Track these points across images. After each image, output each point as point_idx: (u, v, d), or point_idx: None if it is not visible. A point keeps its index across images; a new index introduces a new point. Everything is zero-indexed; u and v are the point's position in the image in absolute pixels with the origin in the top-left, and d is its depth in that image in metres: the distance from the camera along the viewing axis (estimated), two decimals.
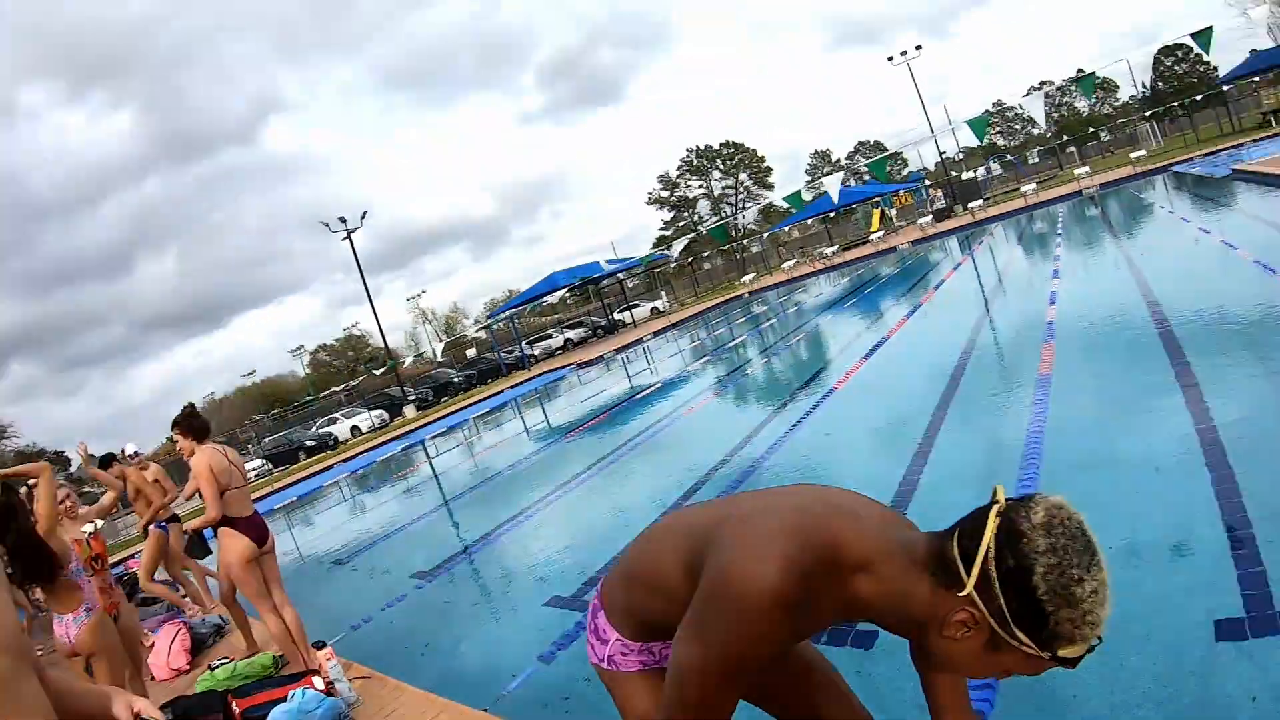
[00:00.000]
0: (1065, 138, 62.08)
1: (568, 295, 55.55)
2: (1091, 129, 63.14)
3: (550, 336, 46.79)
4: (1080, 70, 76.23)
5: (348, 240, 40.56)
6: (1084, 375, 7.48)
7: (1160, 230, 16.91)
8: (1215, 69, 56.17)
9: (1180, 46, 50.37)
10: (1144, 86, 68.30)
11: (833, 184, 24.90)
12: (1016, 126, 78.35)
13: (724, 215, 69.05)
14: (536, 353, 43.14)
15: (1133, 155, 35.90)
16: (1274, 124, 36.07)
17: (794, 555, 1.43)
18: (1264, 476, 4.35)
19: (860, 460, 7.35)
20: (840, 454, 7.73)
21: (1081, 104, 75.31)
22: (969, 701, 1.78)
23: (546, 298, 44.41)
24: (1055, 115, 72.99)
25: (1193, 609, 3.32)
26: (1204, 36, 17.09)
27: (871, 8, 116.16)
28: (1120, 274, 12.01)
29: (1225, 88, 46.34)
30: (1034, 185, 35.59)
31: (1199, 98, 48.63)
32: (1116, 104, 74.60)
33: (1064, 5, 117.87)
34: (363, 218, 41.02)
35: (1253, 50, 45.95)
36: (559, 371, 30.66)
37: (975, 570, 1.31)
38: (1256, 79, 48.56)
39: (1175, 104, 49.71)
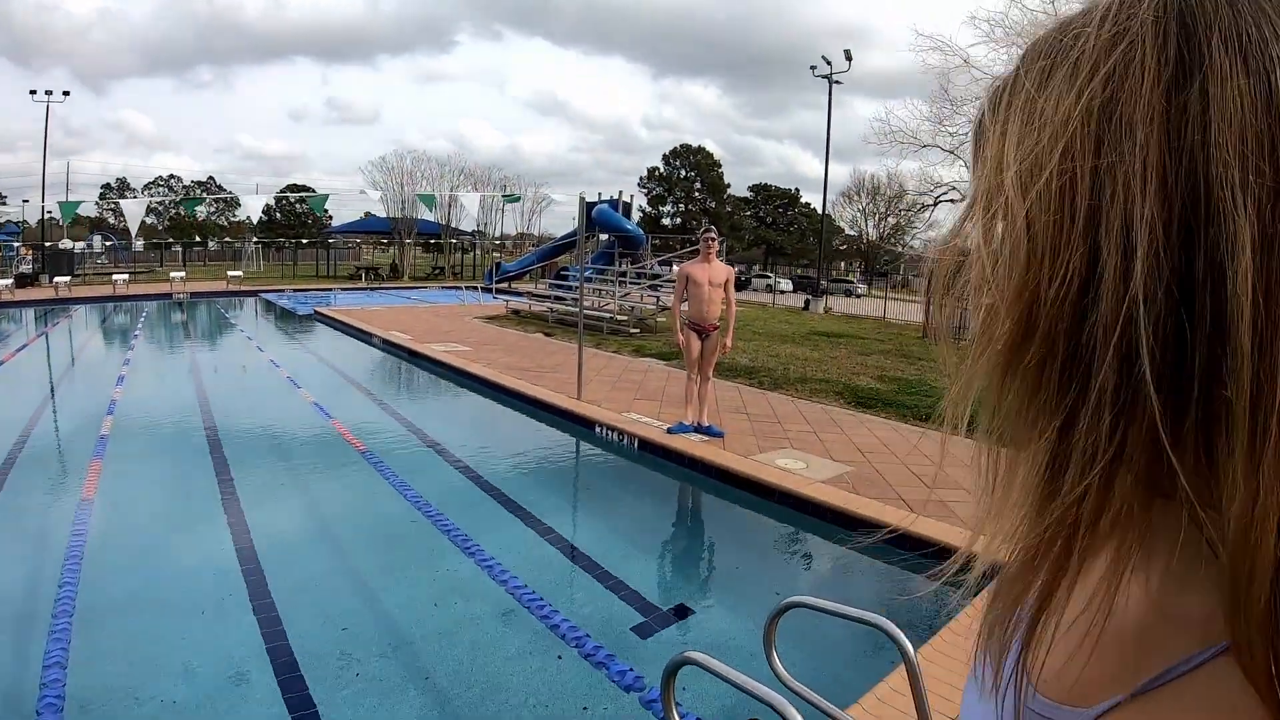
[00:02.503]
0: (171, 239, 61.57)
1: None
2: (200, 237, 63.99)
3: None
4: (212, 178, 77.56)
5: None
6: (134, 501, 6.88)
7: (235, 353, 17.12)
8: (331, 218, 62.36)
9: (299, 188, 54.77)
10: (263, 214, 71.93)
11: None
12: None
13: None
14: None
15: (230, 273, 36.89)
16: (363, 279, 40.76)
17: None
18: (305, 614, 4.67)
19: None
20: None
21: (200, 209, 75.94)
22: None
23: None
24: (172, 213, 72.03)
25: None
26: (319, 200, 18.46)
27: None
28: (186, 392, 11.56)
29: (331, 239, 51.80)
30: (127, 276, 33.78)
31: (305, 240, 53.01)
32: (234, 219, 76.98)
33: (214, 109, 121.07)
34: None
35: (368, 213, 52.70)
36: None
37: None
38: (360, 238, 55.52)
39: (285, 238, 53.37)
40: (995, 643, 0.52)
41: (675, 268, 27.16)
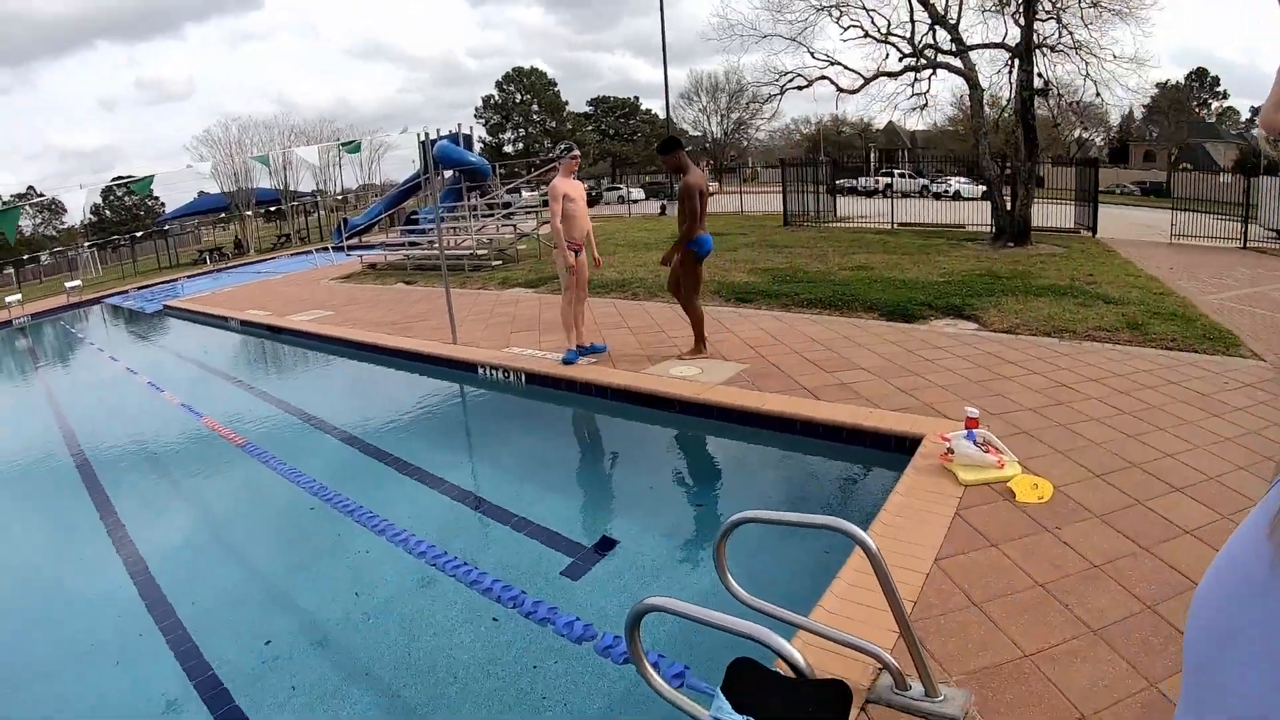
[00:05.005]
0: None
1: None
2: (31, 252, 59.68)
3: None
4: (32, 188, 72.06)
5: None
6: (10, 556, 6.20)
7: (89, 369, 15.85)
8: (163, 205, 58.74)
9: (122, 179, 51.21)
10: (92, 214, 67.29)
11: None
12: None
13: None
14: None
15: (68, 284, 34.36)
16: (208, 261, 38.62)
17: None
18: (223, 637, 4.28)
19: None
20: None
21: (26, 224, 70.65)
22: None
23: None
24: None
25: None
26: (144, 182, 17.43)
27: None
28: (45, 423, 10.54)
29: (167, 226, 48.92)
30: None
31: (140, 233, 49.81)
32: (63, 227, 72.12)
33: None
34: None
35: (201, 192, 49.92)
36: None
37: None
38: (197, 219, 52.68)
39: (119, 235, 49.97)
40: None
41: (525, 195, 26.64)
